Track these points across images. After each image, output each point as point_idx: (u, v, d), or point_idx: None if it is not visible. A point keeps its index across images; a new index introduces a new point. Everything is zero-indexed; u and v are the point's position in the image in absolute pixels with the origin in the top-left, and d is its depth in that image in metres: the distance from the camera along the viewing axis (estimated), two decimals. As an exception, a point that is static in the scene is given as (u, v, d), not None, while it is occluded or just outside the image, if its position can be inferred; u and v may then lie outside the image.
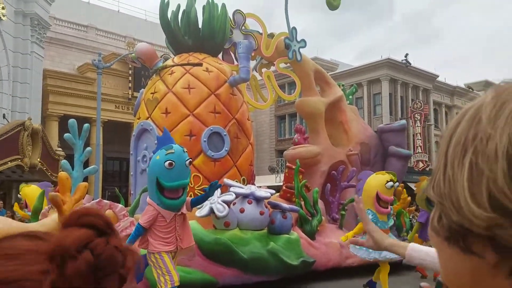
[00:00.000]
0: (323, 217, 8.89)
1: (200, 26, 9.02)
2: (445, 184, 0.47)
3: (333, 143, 10.90)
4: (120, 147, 27.80)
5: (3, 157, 16.81)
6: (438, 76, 37.33)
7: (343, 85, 12.43)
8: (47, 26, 24.02)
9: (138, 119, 8.98)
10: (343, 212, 9.57)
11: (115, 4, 37.26)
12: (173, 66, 8.83)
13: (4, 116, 20.62)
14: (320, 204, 9.04)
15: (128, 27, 30.92)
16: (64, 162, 6.26)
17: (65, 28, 28.29)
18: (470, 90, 40.90)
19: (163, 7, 9.07)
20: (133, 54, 10.06)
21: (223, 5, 9.16)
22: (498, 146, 0.43)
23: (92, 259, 0.45)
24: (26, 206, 8.10)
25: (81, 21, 28.99)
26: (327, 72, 12.35)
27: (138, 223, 5.10)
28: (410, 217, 12.07)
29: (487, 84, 41.36)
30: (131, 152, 9.06)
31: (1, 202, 15.87)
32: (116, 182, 28.65)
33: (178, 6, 9.05)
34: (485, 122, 0.46)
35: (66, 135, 6.30)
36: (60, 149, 20.99)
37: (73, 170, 6.10)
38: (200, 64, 8.67)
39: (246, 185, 8.22)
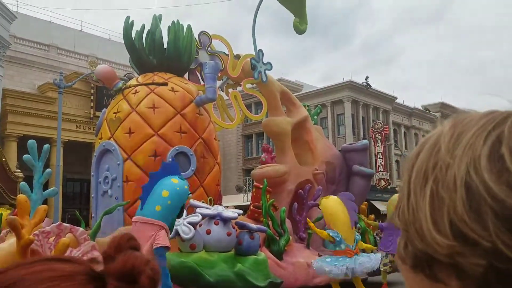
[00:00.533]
0: (290, 237, 8.89)
1: (165, 46, 9.00)
2: (409, 212, 0.48)
3: (299, 162, 11.02)
4: (81, 168, 26.99)
5: (-46, 180, 15.95)
6: (396, 98, 38.78)
7: (308, 106, 12.67)
8: (7, 45, 23.36)
9: (100, 139, 8.77)
10: (310, 231, 9.61)
11: (77, 24, 36.75)
12: (137, 85, 8.74)
13: (-43, 137, 19.67)
14: (288, 224, 9.05)
15: (91, 47, 30.48)
16: (23, 184, 6.01)
17: (25, 47, 27.57)
18: (427, 111, 42.63)
19: (127, 27, 9.01)
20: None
21: (189, 26, 9.20)
22: (456, 175, 0.45)
23: (153, 274, 0.54)
24: None
25: (42, 40, 28.35)
26: (292, 93, 12.58)
27: (162, 247, 5.25)
28: (374, 234, 12.28)
29: (443, 106, 43.25)
30: (92, 174, 8.80)
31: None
32: (76, 205, 27.70)
33: (143, 26, 9.03)
34: (444, 151, 0.47)
35: (25, 156, 6.07)
36: (18, 170, 20.17)
37: (32, 192, 5.87)
38: (165, 84, 8.62)
39: (213, 205, 8.14)
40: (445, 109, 42.93)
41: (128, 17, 9.05)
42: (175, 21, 9.05)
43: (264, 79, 10.62)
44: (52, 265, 0.53)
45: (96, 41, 32.32)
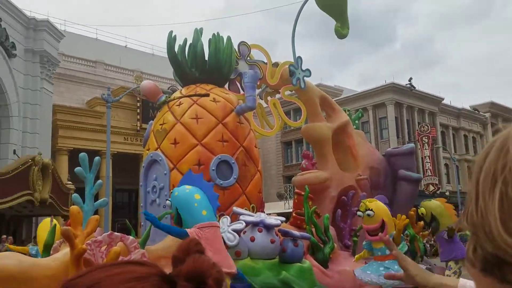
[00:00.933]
0: (335, 244, 8.78)
1: (206, 58, 9.21)
2: (477, 215, 0.48)
3: (341, 168, 10.88)
4: (129, 179, 27.92)
5: (13, 192, 16.95)
6: (443, 99, 37.44)
7: (348, 110, 12.51)
8: (56, 62, 24.62)
9: (148, 150, 9.06)
10: (356, 239, 9.44)
11: (122, 40, 38.24)
12: (180, 97, 8.98)
13: (14, 152, 20.89)
14: (332, 231, 8.94)
15: (136, 62, 31.62)
16: (75, 195, 6.29)
17: (74, 64, 28.99)
18: (476, 111, 40.85)
19: (170, 42, 9.29)
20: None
21: (229, 38, 9.37)
22: None
23: (220, 276, 0.59)
24: None
25: (89, 57, 29.71)
26: (332, 98, 12.47)
27: None
28: (424, 241, 11.88)
29: (493, 105, 41.34)
30: (140, 184, 9.10)
31: (11, 237, 15.86)
32: (125, 214, 28.63)
33: (185, 40, 9.28)
34: None
35: (77, 169, 6.36)
36: (70, 182, 21.12)
37: (84, 203, 6.13)
38: (207, 95, 8.81)
39: (255, 212, 8.19)
40: (495, 109, 41.00)
41: (171, 32, 9.35)
42: (216, 34, 9.24)
43: (302, 85, 10.61)
44: (128, 268, 0.58)
45: (141, 56, 33.53)
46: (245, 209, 8.09)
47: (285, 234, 7.75)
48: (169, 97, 9.15)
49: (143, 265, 0.60)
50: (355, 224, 9.80)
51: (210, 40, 9.21)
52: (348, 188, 10.50)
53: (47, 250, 5.85)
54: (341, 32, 11.32)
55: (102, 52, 30.85)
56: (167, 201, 5.80)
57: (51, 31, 24.08)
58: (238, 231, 7.14)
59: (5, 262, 4.28)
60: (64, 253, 4.93)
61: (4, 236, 15.46)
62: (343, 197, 10.06)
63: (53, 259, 4.98)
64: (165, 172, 8.41)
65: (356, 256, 7.83)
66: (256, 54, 10.52)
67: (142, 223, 8.95)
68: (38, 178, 17.85)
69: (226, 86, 9.95)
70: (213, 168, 8.37)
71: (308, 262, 8.00)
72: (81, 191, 6.73)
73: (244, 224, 7.30)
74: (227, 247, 7.01)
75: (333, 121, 11.35)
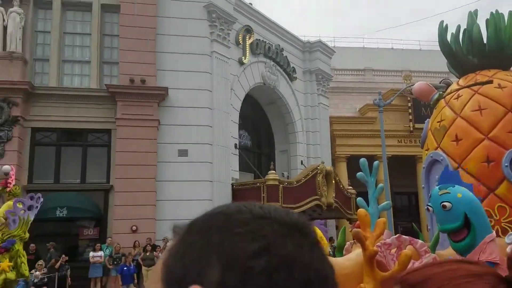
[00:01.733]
0: None
1: (485, 41, 8.23)
2: None
3: None
4: (406, 181, 27.47)
5: (304, 198, 19.29)
6: None
7: None
8: (329, 78, 26.90)
9: (427, 150, 8.70)
10: None
11: (388, 43, 38.43)
12: (458, 89, 8.27)
13: (302, 163, 23.88)
14: None
15: (403, 61, 31.20)
16: (359, 199, 6.60)
17: (344, 76, 30.95)
18: None
19: (442, 32, 8.75)
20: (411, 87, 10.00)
21: (510, 13, 8.08)
22: None
23: None
24: None
25: (358, 66, 31.13)
26: None
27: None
28: None
29: None
30: (422, 185, 8.79)
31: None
32: (405, 217, 28.26)
33: (458, 27, 8.57)
34: None
35: (358, 174, 6.66)
36: (351, 187, 22.44)
37: (368, 206, 6.35)
38: (490, 82, 7.80)
39: None
40: None
41: (441, 22, 8.81)
42: (493, 12, 8.14)
43: None
44: (461, 266, 0.59)
45: (407, 55, 32.90)
46: None
47: None
48: (444, 92, 8.58)
49: (475, 264, 0.60)
50: None
51: (487, 21, 8.16)
52: None
53: (340, 250, 6.34)
54: None
55: (369, 59, 31.83)
56: (429, 206, 4.84)
57: (324, 50, 26.55)
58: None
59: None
60: (356, 253, 5.20)
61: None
62: None
63: (347, 259, 5.33)
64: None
65: None
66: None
67: (429, 227, 8.59)
68: (323, 185, 19.76)
69: (514, 68, 8.57)
70: (506, 164, 7.29)
71: None
72: (361, 195, 7.00)
73: None
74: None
75: None
